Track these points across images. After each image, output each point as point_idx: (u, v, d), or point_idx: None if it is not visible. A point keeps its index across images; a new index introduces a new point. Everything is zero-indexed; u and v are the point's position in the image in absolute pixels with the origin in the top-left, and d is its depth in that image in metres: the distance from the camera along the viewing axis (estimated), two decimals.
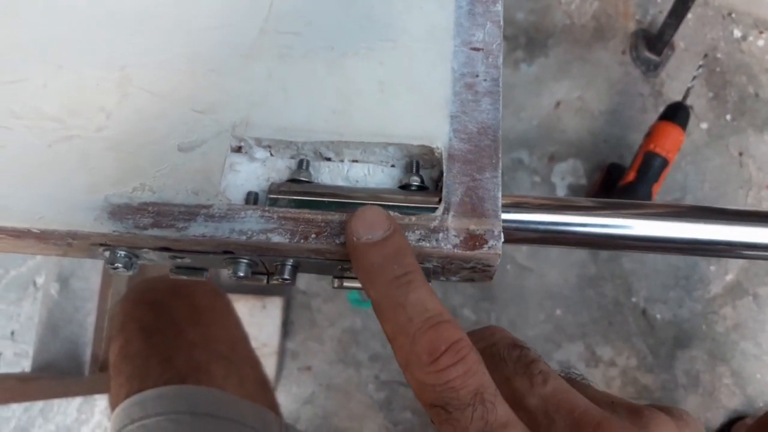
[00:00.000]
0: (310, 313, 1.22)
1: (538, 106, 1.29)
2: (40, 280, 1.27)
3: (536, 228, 0.29)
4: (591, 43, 1.33)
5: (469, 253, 0.27)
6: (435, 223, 0.27)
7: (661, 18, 1.24)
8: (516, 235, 0.29)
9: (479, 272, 0.28)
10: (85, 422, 1.20)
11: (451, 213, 0.27)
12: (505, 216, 0.28)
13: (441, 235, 0.27)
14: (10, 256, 1.25)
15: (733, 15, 1.34)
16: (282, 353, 1.19)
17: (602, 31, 1.33)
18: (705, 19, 1.34)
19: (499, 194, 0.28)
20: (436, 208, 0.28)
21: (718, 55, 1.32)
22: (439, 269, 0.29)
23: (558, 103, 1.29)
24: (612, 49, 1.32)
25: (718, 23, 1.34)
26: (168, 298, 0.70)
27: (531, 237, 0.29)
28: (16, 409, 1.20)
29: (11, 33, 0.33)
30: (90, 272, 0.92)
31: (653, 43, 1.27)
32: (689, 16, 1.23)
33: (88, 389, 0.92)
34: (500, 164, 0.29)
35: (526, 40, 1.33)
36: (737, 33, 1.33)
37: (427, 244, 0.27)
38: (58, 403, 1.20)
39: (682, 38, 1.31)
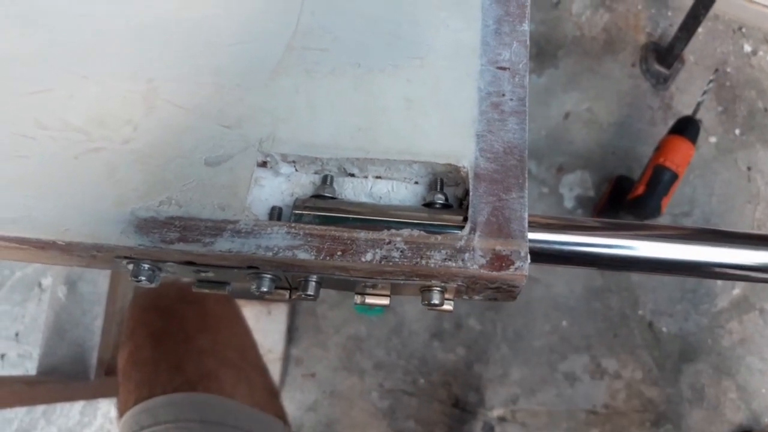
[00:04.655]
0: (316, 320, 1.22)
1: (547, 117, 1.29)
2: (45, 282, 1.27)
3: (561, 249, 0.29)
4: (601, 56, 1.33)
5: (495, 273, 0.26)
6: (461, 243, 0.27)
7: (672, 31, 1.24)
8: (540, 255, 0.29)
9: (503, 292, 0.28)
10: (88, 425, 1.19)
11: (478, 233, 0.27)
12: (530, 236, 0.28)
13: (467, 255, 0.27)
14: None
15: (744, 30, 1.34)
16: (286, 359, 1.19)
17: (612, 43, 1.33)
18: (715, 33, 1.34)
19: (526, 215, 0.28)
20: (462, 227, 0.28)
21: (728, 70, 1.32)
22: (463, 288, 0.29)
23: (567, 115, 1.29)
24: (622, 62, 1.32)
25: (729, 38, 1.34)
26: (178, 304, 0.70)
27: (555, 258, 0.29)
28: (18, 411, 1.20)
29: (37, 43, 0.33)
30: (98, 276, 0.92)
31: (663, 56, 1.27)
32: (700, 30, 1.23)
33: (93, 393, 0.92)
34: (526, 184, 0.28)
35: (536, 51, 1.33)
36: (747, 47, 1.33)
37: (453, 264, 0.27)
38: (60, 406, 1.20)
39: (692, 52, 1.31)
